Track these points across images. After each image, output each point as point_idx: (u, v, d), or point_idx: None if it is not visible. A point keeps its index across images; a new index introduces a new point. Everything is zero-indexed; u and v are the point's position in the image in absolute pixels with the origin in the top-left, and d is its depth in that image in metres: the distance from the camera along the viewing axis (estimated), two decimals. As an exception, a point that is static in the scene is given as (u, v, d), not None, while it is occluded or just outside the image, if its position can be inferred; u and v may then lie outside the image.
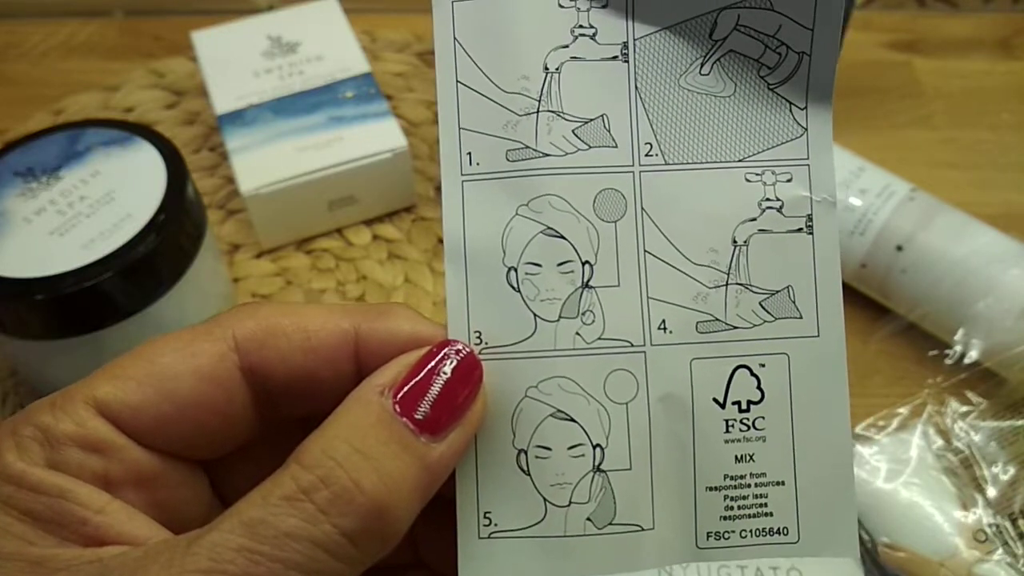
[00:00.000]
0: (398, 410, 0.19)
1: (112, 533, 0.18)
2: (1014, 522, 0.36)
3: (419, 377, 0.19)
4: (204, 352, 0.20)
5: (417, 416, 0.19)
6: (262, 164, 0.46)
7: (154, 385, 0.19)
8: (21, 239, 0.38)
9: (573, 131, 0.22)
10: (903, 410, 0.41)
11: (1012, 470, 0.38)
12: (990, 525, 0.36)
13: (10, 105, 0.57)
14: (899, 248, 0.43)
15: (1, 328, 0.39)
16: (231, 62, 0.51)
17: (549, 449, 0.21)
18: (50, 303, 0.37)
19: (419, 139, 0.53)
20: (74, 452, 0.18)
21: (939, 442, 0.39)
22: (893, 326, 0.44)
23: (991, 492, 0.37)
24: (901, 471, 0.38)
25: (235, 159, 0.47)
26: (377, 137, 0.47)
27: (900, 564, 0.35)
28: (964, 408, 0.40)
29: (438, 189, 0.51)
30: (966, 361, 0.42)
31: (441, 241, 0.49)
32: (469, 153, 0.22)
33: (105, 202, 0.39)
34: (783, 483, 0.22)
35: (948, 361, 0.43)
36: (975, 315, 0.41)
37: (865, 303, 0.46)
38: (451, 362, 0.20)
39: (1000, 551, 0.36)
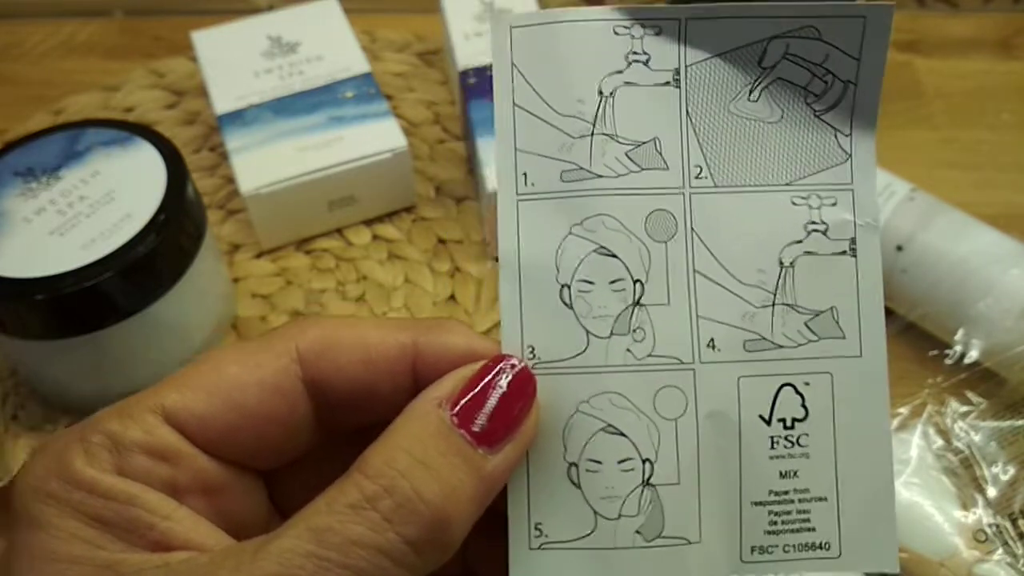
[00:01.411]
0: (456, 422, 0.19)
1: (179, 539, 0.18)
2: (1014, 522, 0.36)
3: (476, 390, 0.20)
4: (268, 364, 0.20)
5: (474, 428, 0.19)
6: (262, 164, 0.46)
7: (220, 395, 0.20)
8: (21, 239, 0.38)
9: (626, 153, 0.22)
10: (903, 410, 0.41)
11: (1012, 470, 0.38)
12: (990, 525, 0.36)
13: (10, 105, 0.57)
14: (899, 248, 0.43)
15: (1, 328, 0.39)
16: (231, 62, 0.51)
17: (600, 463, 0.22)
18: (50, 303, 0.37)
19: (419, 139, 0.53)
20: (142, 459, 0.19)
21: (939, 442, 0.39)
22: (893, 326, 0.44)
23: (991, 492, 0.37)
24: (901, 471, 0.38)
25: (235, 159, 0.47)
26: (377, 137, 0.47)
27: (900, 564, 0.35)
28: (964, 408, 0.40)
29: (438, 189, 0.51)
30: (966, 361, 0.42)
31: (441, 241, 0.49)
32: (525, 173, 0.22)
33: (105, 202, 0.39)
34: (826, 499, 0.22)
35: (948, 361, 0.43)
36: (975, 315, 0.41)
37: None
38: (506, 376, 0.20)
39: (1000, 551, 0.36)
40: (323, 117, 0.48)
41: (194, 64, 0.54)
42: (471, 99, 0.48)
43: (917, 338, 0.44)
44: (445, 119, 0.54)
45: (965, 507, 0.37)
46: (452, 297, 0.47)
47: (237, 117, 0.48)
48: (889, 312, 0.45)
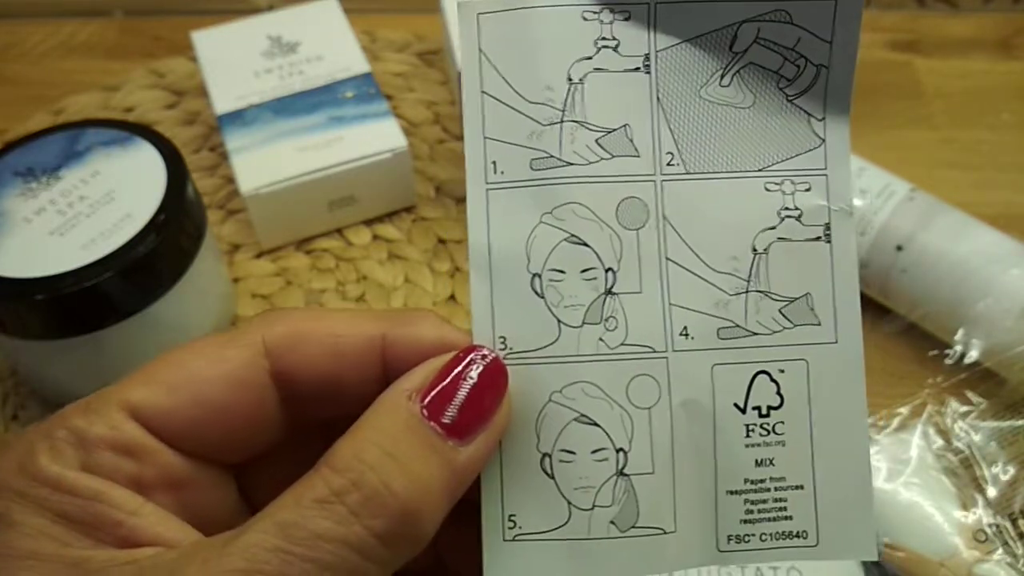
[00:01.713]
0: (426, 414, 0.19)
1: (146, 535, 0.18)
2: (1014, 522, 0.36)
3: (446, 382, 0.20)
4: (234, 357, 0.20)
5: (444, 420, 0.19)
6: (262, 164, 0.46)
7: (185, 389, 0.19)
8: (21, 239, 0.38)
9: (596, 141, 0.22)
10: (903, 410, 0.41)
11: (1012, 470, 0.38)
12: (990, 525, 0.36)
13: (10, 105, 0.57)
14: (899, 248, 0.43)
15: (1, 328, 0.39)
16: (231, 62, 0.51)
17: (573, 453, 0.21)
18: (50, 303, 0.37)
19: (419, 139, 0.53)
20: (107, 455, 0.19)
21: (939, 442, 0.39)
22: (893, 326, 0.44)
23: (991, 492, 0.37)
24: (901, 471, 0.38)
25: (235, 159, 0.47)
26: (377, 137, 0.47)
27: (900, 564, 0.35)
28: (964, 408, 0.40)
29: (438, 189, 0.51)
30: (966, 361, 0.42)
31: (441, 241, 0.49)
32: (494, 162, 0.22)
33: (105, 202, 0.39)
34: (802, 487, 0.22)
35: (948, 361, 0.43)
36: (975, 315, 0.41)
37: (865, 303, 0.46)
38: (477, 367, 0.20)
39: (1000, 551, 0.36)
40: (323, 117, 0.48)
41: (194, 64, 0.54)
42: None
43: (917, 338, 0.44)
44: (445, 119, 0.54)
45: (965, 507, 0.37)
46: (452, 297, 0.47)
47: (237, 117, 0.48)
48: (888, 312, 0.45)
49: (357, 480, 0.18)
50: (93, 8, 0.63)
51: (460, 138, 0.52)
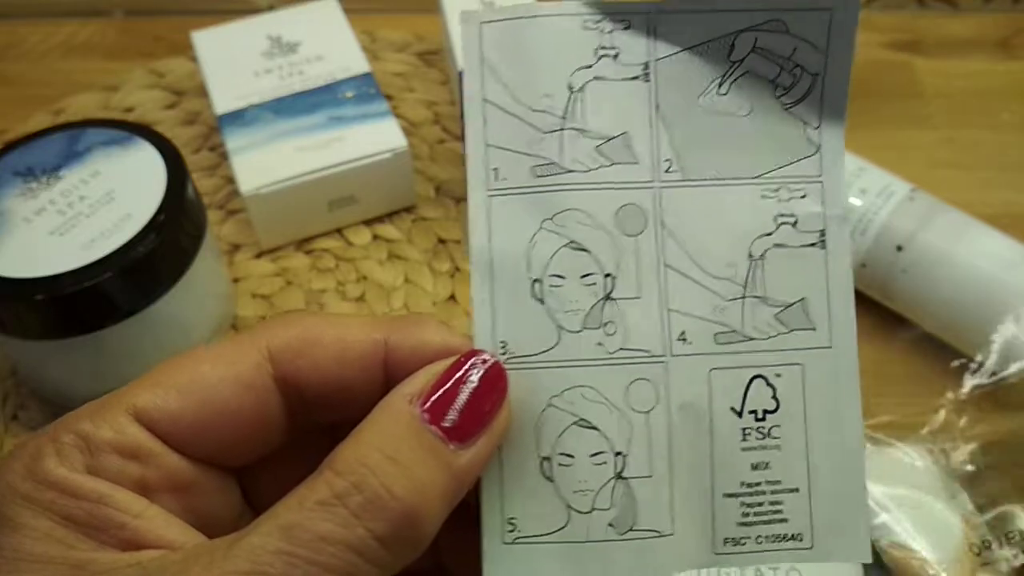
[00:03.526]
0: (427, 418, 0.19)
1: (150, 537, 0.18)
2: (1010, 536, 0.36)
3: (447, 386, 0.20)
4: (240, 362, 0.20)
5: (445, 424, 0.19)
6: (262, 164, 0.46)
7: (192, 393, 0.20)
8: (21, 239, 0.38)
9: (596, 148, 0.22)
10: (914, 415, 0.41)
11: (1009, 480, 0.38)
12: (992, 535, 0.36)
13: (10, 105, 0.57)
14: (899, 248, 0.43)
15: (1, 328, 0.39)
16: (231, 62, 0.51)
17: (572, 456, 0.22)
18: (50, 303, 0.37)
19: (419, 139, 0.53)
20: (113, 459, 0.19)
21: (947, 447, 0.39)
22: (911, 334, 0.44)
23: (993, 504, 0.37)
24: (908, 476, 0.38)
25: (235, 159, 0.47)
26: (377, 137, 0.47)
27: (904, 568, 0.35)
28: (971, 416, 0.40)
29: (438, 189, 0.51)
30: (973, 366, 0.42)
31: (441, 241, 0.49)
32: (496, 169, 0.22)
33: (105, 202, 0.39)
34: (798, 490, 0.22)
35: (954, 364, 0.43)
36: (975, 315, 0.41)
37: (865, 303, 0.46)
38: (478, 371, 0.20)
39: (999, 561, 0.36)
40: (323, 117, 0.48)
41: (194, 64, 0.54)
42: (471, 99, 0.48)
43: (937, 347, 0.44)
44: (445, 119, 0.54)
45: (969, 516, 0.37)
46: (452, 297, 0.47)
47: (237, 117, 0.48)
48: (902, 320, 0.45)
49: (359, 483, 0.18)
50: (93, 8, 0.63)
51: (460, 138, 0.52)
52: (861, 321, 0.48)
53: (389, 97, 0.55)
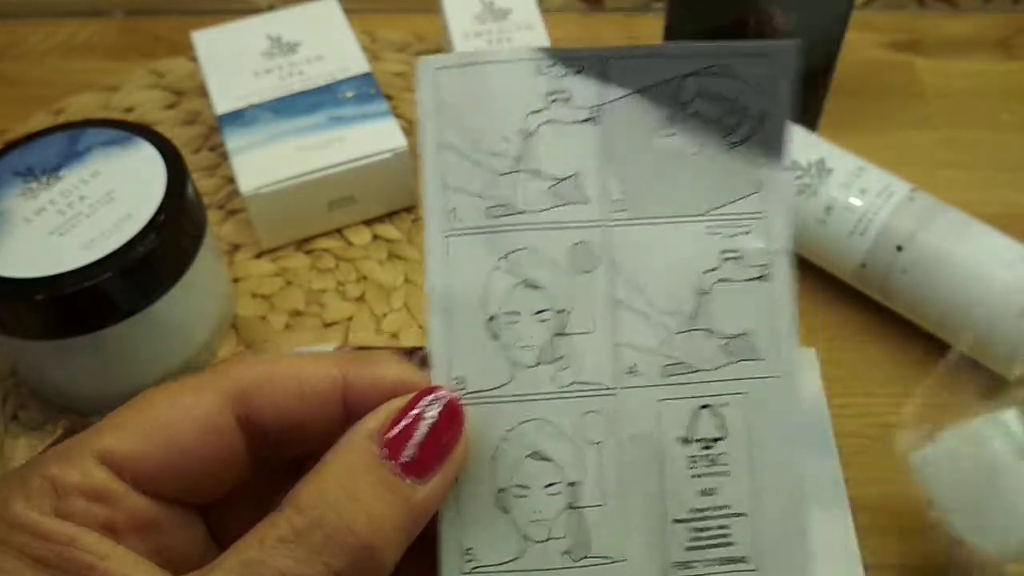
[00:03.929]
0: (385, 454, 0.20)
1: None
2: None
3: (405, 422, 0.20)
4: (202, 403, 0.21)
5: (403, 460, 0.20)
6: (262, 164, 0.46)
7: (155, 435, 0.20)
8: (21, 239, 0.38)
9: (549, 188, 0.24)
10: (901, 409, 0.40)
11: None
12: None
13: (10, 105, 0.57)
14: (899, 248, 0.43)
15: (1, 328, 0.39)
16: (231, 62, 0.51)
17: (527, 488, 0.23)
18: (50, 303, 0.37)
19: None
20: (80, 501, 0.19)
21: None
22: (947, 360, 0.43)
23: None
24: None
25: (235, 159, 0.47)
26: (377, 137, 0.47)
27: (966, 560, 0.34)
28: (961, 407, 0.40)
29: (438, 189, 0.51)
30: (965, 360, 0.42)
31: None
32: (453, 210, 0.23)
33: (105, 202, 0.39)
34: (744, 515, 0.23)
35: (947, 360, 0.43)
36: (975, 314, 0.41)
37: (865, 303, 0.46)
38: (434, 407, 0.21)
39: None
40: (323, 117, 0.48)
41: (194, 64, 0.54)
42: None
43: (916, 337, 0.44)
44: (445, 119, 0.54)
45: None
46: (452, 297, 0.47)
47: (237, 117, 0.48)
48: (892, 313, 0.45)
49: (318, 519, 0.19)
50: (93, 8, 0.63)
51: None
52: (861, 321, 0.48)
53: (389, 97, 0.55)
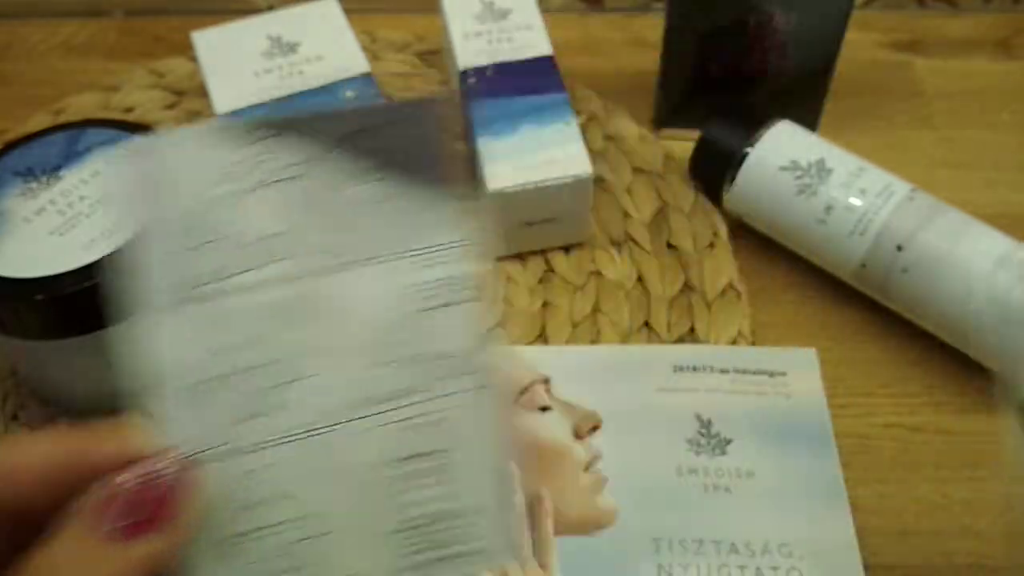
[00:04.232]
0: (106, 521, 0.21)
1: None
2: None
3: (128, 489, 0.22)
4: None
5: (124, 523, 0.21)
6: (262, 164, 0.46)
7: None
8: (21, 239, 0.38)
9: (252, 250, 0.25)
10: (909, 413, 0.40)
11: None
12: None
13: (10, 105, 0.57)
14: (899, 248, 0.43)
15: (1, 328, 0.39)
16: (231, 62, 0.51)
17: (263, 528, 0.24)
18: (50, 303, 0.37)
19: (419, 139, 0.53)
20: None
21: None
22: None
23: None
24: None
25: (235, 159, 0.47)
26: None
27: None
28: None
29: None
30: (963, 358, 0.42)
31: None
32: (160, 287, 0.25)
33: (105, 202, 0.39)
34: (462, 516, 0.25)
35: (947, 361, 0.43)
36: (975, 314, 0.41)
37: (865, 303, 0.46)
38: (159, 472, 0.22)
39: None
40: (323, 117, 0.48)
41: (194, 64, 0.54)
42: (471, 99, 0.48)
43: (916, 337, 0.44)
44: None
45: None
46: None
47: (237, 117, 0.48)
48: (892, 313, 0.45)
49: None
50: (93, 8, 0.63)
51: (460, 138, 0.52)
52: (861, 321, 0.48)
53: (389, 97, 0.55)
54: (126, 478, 0.22)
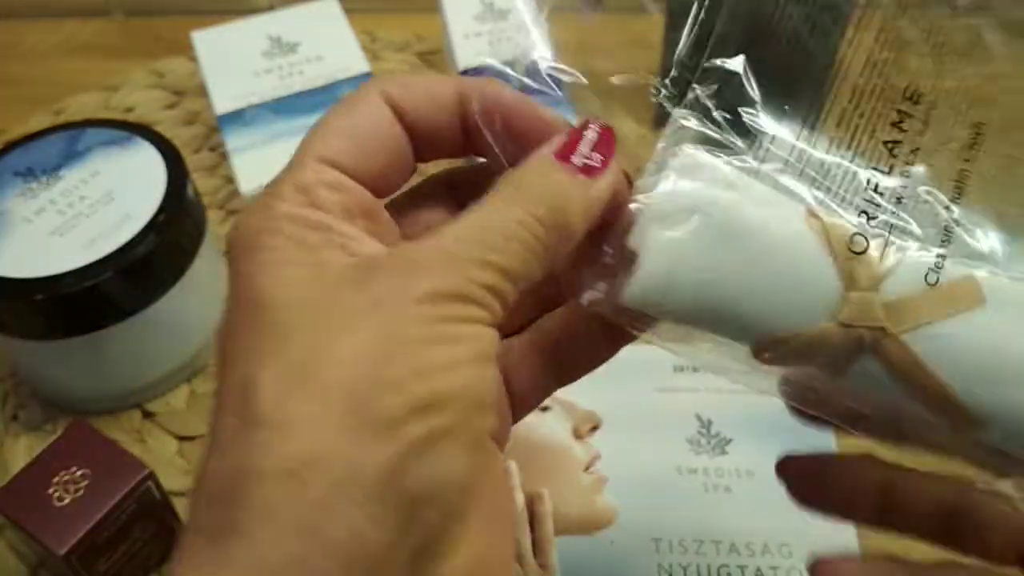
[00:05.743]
0: (577, 158, 0.24)
1: (363, 254, 0.22)
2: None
3: (574, 138, 0.24)
4: (375, 109, 0.25)
5: (578, 164, 0.24)
6: (262, 164, 0.46)
7: (354, 137, 0.24)
8: (21, 239, 0.38)
9: None
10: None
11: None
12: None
13: (10, 105, 0.57)
14: (899, 248, 0.43)
15: (1, 328, 0.39)
16: (231, 62, 0.51)
17: None
18: (50, 303, 0.37)
19: (419, 139, 0.53)
20: (324, 193, 0.23)
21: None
22: None
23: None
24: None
25: (235, 159, 0.47)
26: (377, 137, 0.47)
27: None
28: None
29: (438, 189, 0.51)
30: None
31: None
32: None
33: (105, 202, 0.39)
34: None
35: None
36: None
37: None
38: (593, 130, 0.25)
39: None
40: (323, 117, 0.48)
41: (194, 64, 0.54)
42: (471, 99, 0.48)
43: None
44: (445, 119, 0.54)
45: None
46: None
47: (237, 117, 0.48)
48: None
49: (523, 184, 0.23)
50: (93, 8, 0.63)
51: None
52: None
53: (389, 97, 0.55)
54: (571, 131, 0.25)
